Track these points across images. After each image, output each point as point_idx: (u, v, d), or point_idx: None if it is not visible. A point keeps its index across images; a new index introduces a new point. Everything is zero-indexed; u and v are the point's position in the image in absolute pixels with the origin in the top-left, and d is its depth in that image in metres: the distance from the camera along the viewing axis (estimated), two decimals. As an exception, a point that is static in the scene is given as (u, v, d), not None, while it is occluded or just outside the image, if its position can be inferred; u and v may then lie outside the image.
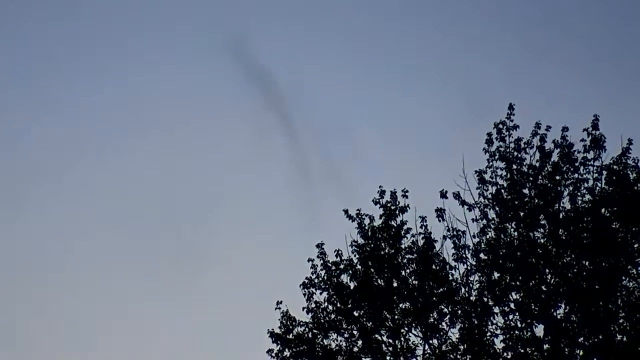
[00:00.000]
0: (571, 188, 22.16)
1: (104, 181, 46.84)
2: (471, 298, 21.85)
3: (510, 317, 21.54)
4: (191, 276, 42.10)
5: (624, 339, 20.91)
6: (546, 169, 22.37)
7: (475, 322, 21.51)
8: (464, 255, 22.07)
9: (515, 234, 22.12)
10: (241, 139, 48.40)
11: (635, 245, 21.45)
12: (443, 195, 22.42)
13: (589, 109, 22.42)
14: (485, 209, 22.39)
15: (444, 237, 22.28)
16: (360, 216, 22.82)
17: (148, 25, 50.33)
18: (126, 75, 48.85)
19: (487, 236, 22.21)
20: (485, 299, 21.74)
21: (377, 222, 22.76)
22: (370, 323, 21.88)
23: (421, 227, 22.49)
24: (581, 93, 46.99)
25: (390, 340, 21.77)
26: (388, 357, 21.67)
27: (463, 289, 21.93)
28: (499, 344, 21.41)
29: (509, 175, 22.48)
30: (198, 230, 43.95)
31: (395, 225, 22.64)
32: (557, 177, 22.25)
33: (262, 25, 50.47)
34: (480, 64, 49.71)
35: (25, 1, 48.14)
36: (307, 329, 22.13)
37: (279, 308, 22.43)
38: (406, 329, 21.83)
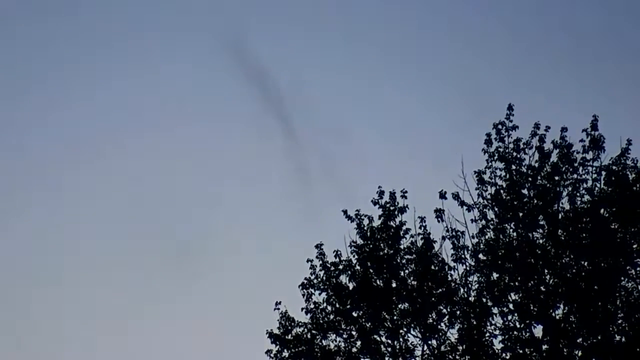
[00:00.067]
0: (570, 188, 22.16)
1: (104, 181, 46.90)
2: (470, 298, 21.85)
3: (509, 317, 21.54)
4: (191, 276, 42.15)
5: (623, 339, 20.92)
6: (545, 169, 22.36)
7: (474, 322, 21.51)
8: (463, 256, 22.08)
9: (514, 234, 22.13)
10: (241, 139, 48.40)
11: (634, 246, 21.46)
12: (442, 195, 22.43)
13: (588, 110, 22.44)
14: (484, 210, 22.39)
15: (443, 238, 22.31)
16: (359, 217, 22.82)
17: (148, 25, 50.40)
18: (126, 75, 48.89)
19: (486, 237, 22.21)
20: (484, 300, 21.74)
21: (376, 222, 22.77)
22: (369, 323, 21.88)
23: (420, 227, 22.53)
24: (580, 94, 47.05)
25: (389, 341, 21.77)
26: (387, 358, 21.67)
27: (462, 290, 21.93)
28: (497, 345, 21.46)
29: (508, 176, 22.48)
30: (197, 231, 43.98)
31: (394, 225, 22.64)
32: (556, 178, 22.25)
33: (261, 26, 50.52)
34: (480, 64, 49.78)
35: (25, 1, 48.20)
36: (306, 329, 22.13)
37: (278, 308, 22.47)
38: (405, 329, 21.84)
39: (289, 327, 22.20)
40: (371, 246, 22.44)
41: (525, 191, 22.36)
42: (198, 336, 39.16)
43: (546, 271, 21.75)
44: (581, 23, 50.90)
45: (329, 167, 46.56)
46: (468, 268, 22.03)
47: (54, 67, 48.66)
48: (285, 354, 21.97)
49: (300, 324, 22.23)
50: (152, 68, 49.39)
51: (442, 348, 21.62)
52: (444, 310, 21.88)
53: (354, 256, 22.52)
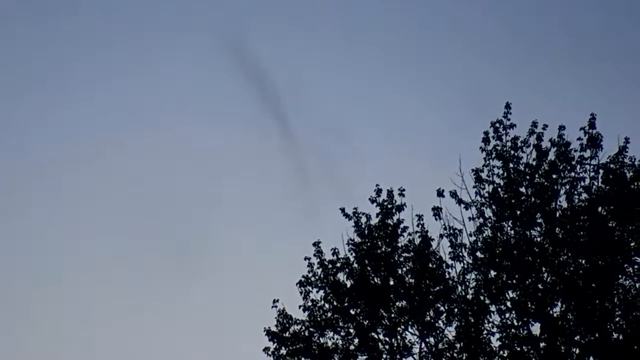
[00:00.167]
0: (568, 187, 22.18)
1: (104, 181, 46.94)
2: (468, 296, 21.86)
3: (507, 315, 21.56)
4: (191, 276, 42.17)
5: (620, 337, 20.93)
6: (543, 167, 22.38)
7: (472, 320, 21.52)
8: (460, 254, 22.10)
9: (512, 232, 22.16)
10: (241, 139, 48.46)
11: (632, 244, 21.47)
12: (440, 193, 22.47)
13: (588, 110, 22.43)
14: (482, 208, 22.42)
15: (441, 236, 22.35)
16: (357, 215, 22.84)
17: (148, 25, 50.45)
18: (126, 75, 48.93)
19: (484, 235, 22.24)
20: (482, 297, 21.75)
21: (374, 220, 22.79)
22: (367, 321, 21.90)
23: (418, 225, 22.57)
24: (580, 94, 47.05)
25: (387, 339, 21.79)
26: (384, 356, 21.68)
27: (459, 288, 21.95)
28: (495, 342, 21.47)
29: (505, 174, 22.50)
30: (197, 231, 44.01)
31: (391, 223, 22.66)
32: (554, 176, 22.27)
33: (261, 26, 50.58)
34: (480, 64, 49.81)
35: (25, 1, 48.25)
36: (303, 327, 22.15)
37: (276, 306, 22.48)
38: (402, 327, 21.85)
39: (287, 325, 22.21)
40: (369, 244, 22.46)
41: (522, 189, 22.37)
42: (198, 336, 39.19)
43: (544, 269, 21.76)
44: (581, 23, 50.95)
45: (329, 167, 46.61)
46: (466, 266, 22.06)
47: (54, 67, 48.77)
48: (283, 351, 21.99)
49: (298, 321, 22.24)
50: (152, 68, 49.49)
51: (440, 345, 21.64)
52: (442, 308, 21.90)
53: (351, 254, 22.56)
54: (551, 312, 21.40)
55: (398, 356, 21.60)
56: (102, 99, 48.85)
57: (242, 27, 48.64)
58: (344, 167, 46.26)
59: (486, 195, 22.47)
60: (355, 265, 22.43)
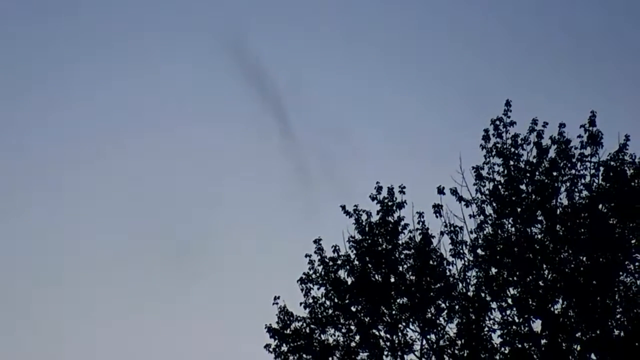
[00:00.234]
0: (568, 184, 22.20)
1: (104, 181, 46.94)
2: (468, 293, 21.87)
3: (508, 312, 21.58)
4: (191, 276, 42.17)
5: (621, 334, 20.94)
6: (543, 165, 22.40)
7: (473, 317, 21.54)
8: (461, 251, 22.11)
9: (513, 229, 22.17)
10: (241, 139, 48.45)
11: (633, 241, 21.48)
12: (440, 191, 22.49)
13: (586, 105, 22.49)
14: (483, 205, 22.45)
15: (442, 233, 22.35)
16: (357, 212, 22.84)
17: (148, 25, 50.47)
18: (126, 75, 48.94)
19: (485, 232, 22.25)
20: (483, 295, 21.77)
21: (375, 218, 22.80)
22: (368, 318, 21.90)
23: (418, 223, 22.56)
24: (578, 89, 47.11)
25: (388, 335, 21.80)
26: (385, 352, 21.69)
27: (460, 285, 21.97)
28: (496, 339, 21.49)
29: (506, 172, 22.52)
30: (197, 231, 44.01)
31: (392, 221, 22.67)
32: (554, 173, 22.28)
33: (261, 26, 50.59)
34: (480, 64, 49.82)
35: (25, 1, 48.28)
36: (304, 324, 22.16)
37: (277, 303, 22.49)
38: (404, 324, 21.85)
39: (288, 322, 22.22)
40: (369, 241, 22.46)
41: (523, 187, 22.39)
42: (198, 336, 39.19)
43: (545, 266, 21.77)
44: (581, 23, 50.97)
45: (329, 166, 46.63)
46: (466, 263, 22.07)
47: (54, 67, 48.75)
48: (284, 348, 22.00)
49: (299, 318, 22.26)
50: (152, 68, 49.49)
51: (441, 342, 21.65)
52: (443, 305, 21.91)
53: (352, 251, 22.55)
54: (552, 309, 21.41)
55: (399, 353, 21.60)
56: (102, 99, 48.90)
57: (242, 27, 48.69)
58: (344, 167, 46.30)
59: (487, 192, 22.50)
60: (356, 262, 22.44)
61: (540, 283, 21.63)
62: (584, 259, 21.65)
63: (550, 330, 21.10)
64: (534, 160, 22.48)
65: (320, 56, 51.21)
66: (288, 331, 22.11)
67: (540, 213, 22.15)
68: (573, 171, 22.28)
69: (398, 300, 21.97)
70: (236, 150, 48.23)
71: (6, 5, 48.18)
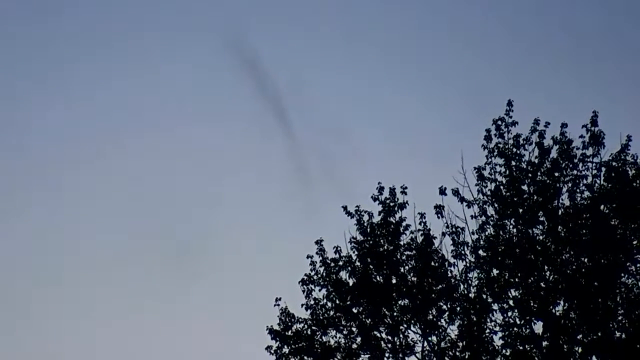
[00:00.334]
0: (570, 185, 22.15)
1: (104, 181, 46.88)
2: (470, 295, 21.82)
3: (509, 314, 21.53)
4: (191, 276, 42.12)
5: (623, 336, 20.90)
6: (545, 165, 22.34)
7: (474, 318, 21.48)
8: (462, 252, 22.05)
9: (514, 230, 22.11)
10: (241, 139, 48.33)
11: (634, 242, 21.44)
12: (442, 191, 22.43)
13: (586, 106, 22.43)
14: (484, 206, 22.38)
15: (443, 234, 22.29)
16: (359, 213, 22.77)
17: (148, 25, 50.37)
18: (126, 75, 48.87)
19: (486, 233, 22.18)
20: (484, 296, 21.71)
21: (376, 218, 22.74)
22: (369, 320, 21.84)
23: (420, 223, 22.48)
24: (578, 90, 47.04)
25: (389, 337, 21.75)
26: (387, 354, 21.65)
27: (462, 286, 21.91)
28: (497, 341, 21.43)
29: (507, 172, 22.46)
30: (197, 231, 43.95)
31: (394, 221, 22.60)
32: (556, 174, 22.23)
33: (261, 26, 50.51)
34: (480, 64, 49.72)
35: (25, 1, 48.23)
36: (306, 325, 22.09)
37: (278, 305, 22.43)
38: (405, 325, 21.80)
39: (289, 323, 22.16)
40: (371, 242, 22.40)
41: (525, 187, 22.33)
42: (198, 336, 39.14)
43: (546, 267, 21.72)
44: (581, 23, 50.89)
45: (329, 166, 46.53)
46: (468, 264, 22.01)
47: (54, 67, 48.67)
48: (285, 350, 21.95)
49: (300, 320, 22.18)
50: (152, 68, 49.36)
51: (442, 344, 21.60)
52: (444, 307, 21.85)
53: (354, 252, 22.48)
54: (554, 310, 21.37)
55: (400, 355, 21.56)
56: (102, 99, 48.78)
57: (242, 27, 48.56)
58: (344, 167, 46.21)
59: (488, 193, 22.43)
60: (358, 263, 22.38)
61: (542, 284, 21.58)
62: (586, 260, 21.60)
63: (552, 332, 21.05)
64: (536, 161, 22.43)
65: (320, 56, 51.14)
66: (289, 333, 22.05)
67: (542, 214, 22.09)
68: (575, 172, 22.22)
69: (399, 302, 21.90)
70: (236, 150, 48.18)
71: (6, 5, 48.13)
